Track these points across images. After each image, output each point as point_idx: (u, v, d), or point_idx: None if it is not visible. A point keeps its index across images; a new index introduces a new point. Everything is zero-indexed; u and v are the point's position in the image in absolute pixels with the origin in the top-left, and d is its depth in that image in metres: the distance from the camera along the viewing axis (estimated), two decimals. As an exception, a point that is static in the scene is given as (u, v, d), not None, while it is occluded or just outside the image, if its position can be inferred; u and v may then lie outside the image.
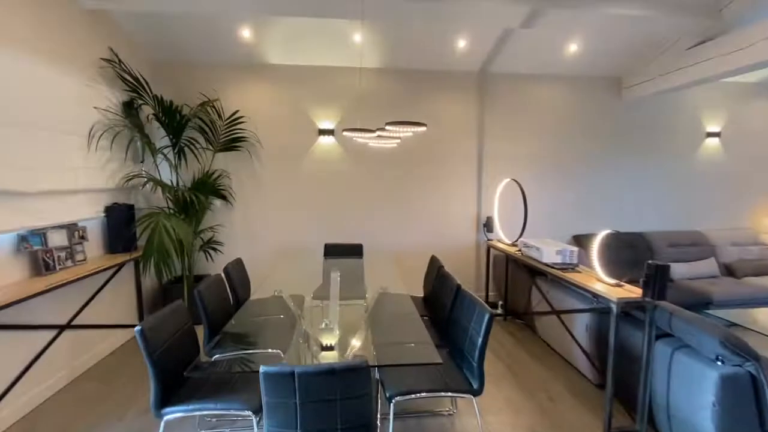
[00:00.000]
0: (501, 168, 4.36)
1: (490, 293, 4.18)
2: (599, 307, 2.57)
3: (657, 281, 1.92)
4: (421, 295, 3.37)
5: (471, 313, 2.10)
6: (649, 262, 1.96)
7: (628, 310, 2.31)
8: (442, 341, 2.39)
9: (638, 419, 2.09)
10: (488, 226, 4.29)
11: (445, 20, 3.18)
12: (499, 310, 4.09)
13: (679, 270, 4.19)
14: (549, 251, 2.79)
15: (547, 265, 2.77)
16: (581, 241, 4.45)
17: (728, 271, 4.38)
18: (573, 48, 3.83)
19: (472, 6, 2.99)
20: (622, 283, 2.28)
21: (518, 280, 3.75)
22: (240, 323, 2.26)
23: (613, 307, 2.08)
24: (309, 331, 2.18)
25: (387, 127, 2.07)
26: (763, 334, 2.85)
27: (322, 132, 4.07)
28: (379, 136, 2.47)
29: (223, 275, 2.73)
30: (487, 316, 1.91)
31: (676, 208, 4.73)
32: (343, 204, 4.19)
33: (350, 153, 4.13)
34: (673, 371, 1.98)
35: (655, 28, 3.34)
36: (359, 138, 2.75)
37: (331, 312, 2.27)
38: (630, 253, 4.26)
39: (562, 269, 2.65)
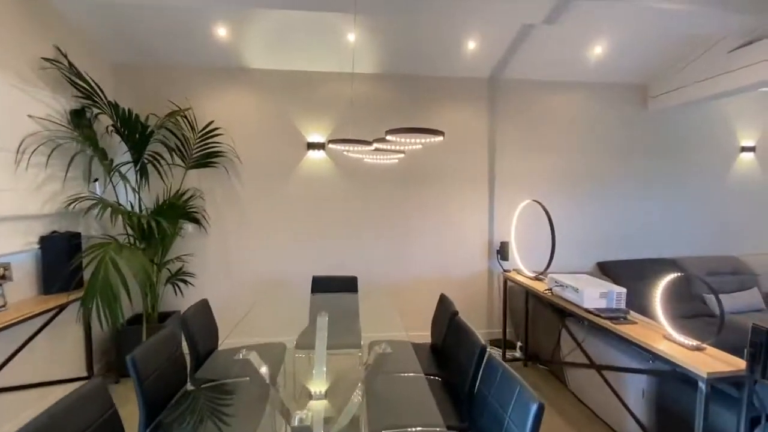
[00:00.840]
0: (514, 187, 3.84)
1: (507, 330, 3.60)
2: (661, 369, 2.00)
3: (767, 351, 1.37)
4: (427, 339, 2.80)
5: (508, 395, 1.52)
6: (756, 325, 1.41)
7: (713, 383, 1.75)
8: (462, 421, 1.81)
9: None
10: (503, 253, 3.74)
11: (456, 16, 2.69)
12: (518, 353, 3.51)
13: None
14: (591, 293, 2.24)
15: (589, 311, 2.21)
16: (608, 269, 3.91)
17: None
18: (596, 51, 3.37)
19: (488, -3, 2.51)
20: (704, 346, 1.72)
21: (542, 320, 3.18)
22: (193, 399, 1.67)
23: (702, 386, 1.51)
24: (287, 403, 1.61)
25: (388, 137, 1.53)
26: None
27: (312, 146, 3.54)
28: (377, 150, 1.94)
29: (180, 326, 2.16)
30: (534, 409, 1.33)
31: (709, 230, 4.22)
32: (336, 229, 3.63)
33: (343, 170, 3.60)
34: (794, 479, 1.41)
35: (693, 27, 2.88)
36: (351, 152, 2.22)
37: (315, 378, 1.72)
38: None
39: (611, 319, 2.09)
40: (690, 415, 1.83)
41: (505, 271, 3.46)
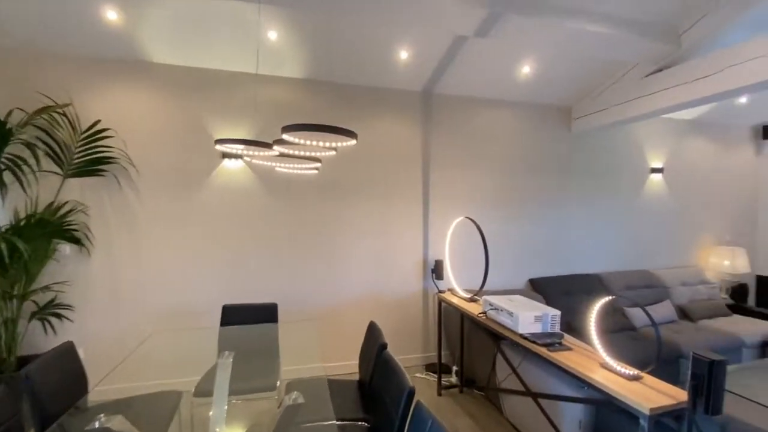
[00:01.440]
0: (449, 203, 3.72)
1: (443, 353, 3.39)
2: (597, 398, 1.89)
3: (710, 385, 1.26)
4: (356, 372, 2.48)
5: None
6: (696, 355, 1.31)
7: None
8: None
9: None
10: (437, 271, 3.57)
11: (381, 17, 2.50)
12: (454, 378, 3.32)
13: (639, 315, 3.79)
14: (526, 318, 2.09)
15: (524, 337, 2.06)
16: (539, 286, 3.92)
17: (683, 314, 4.11)
18: (524, 71, 3.40)
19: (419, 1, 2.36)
20: (642, 375, 1.61)
21: (478, 342, 3.03)
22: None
23: (644, 423, 1.38)
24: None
25: (285, 136, 1.23)
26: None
27: (228, 155, 3.11)
28: (284, 156, 1.62)
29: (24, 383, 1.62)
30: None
31: (626, 245, 4.46)
32: (253, 250, 3.20)
33: (265, 183, 3.21)
34: None
35: (612, 52, 2.99)
36: (254, 157, 1.87)
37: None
38: (589, 300, 3.78)
39: (547, 345, 1.95)
40: (628, 448, 1.71)
41: (439, 291, 3.28)
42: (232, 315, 2.69)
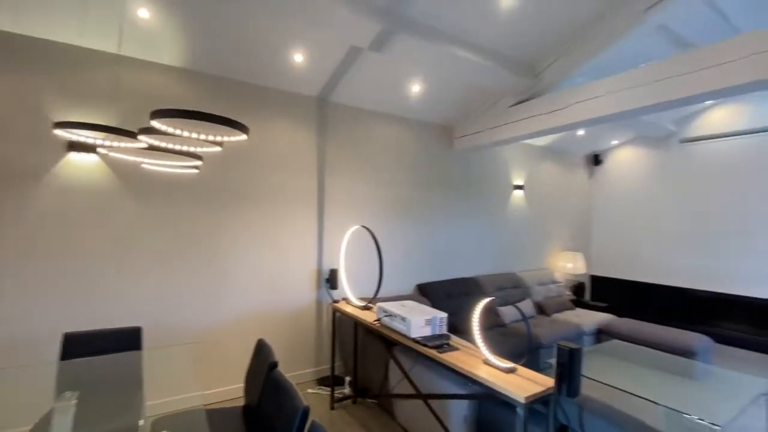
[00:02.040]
0: (344, 211, 3.70)
1: (336, 365, 3.30)
2: (479, 393, 2.04)
3: (571, 371, 1.46)
4: (241, 397, 2.23)
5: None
6: (560, 344, 1.50)
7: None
8: None
9: None
10: (332, 281, 3.50)
11: (271, 13, 2.38)
12: (347, 389, 3.26)
13: (509, 313, 4.32)
14: (417, 322, 2.16)
15: (416, 341, 2.12)
16: (425, 291, 4.15)
17: (540, 309, 4.82)
18: (415, 89, 3.62)
19: (319, 8, 2.30)
20: (517, 367, 1.79)
21: (372, 350, 3.03)
22: None
23: (521, 411, 1.52)
24: None
25: (154, 123, 1.02)
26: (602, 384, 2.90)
27: (76, 146, 2.54)
28: (151, 149, 1.36)
29: None
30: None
31: (497, 252, 5.06)
32: (110, 265, 2.66)
33: (128, 183, 2.71)
34: (589, 486, 1.52)
35: (486, 80, 3.40)
36: (112, 150, 1.55)
37: None
38: (468, 301, 4.16)
39: (436, 347, 2.03)
40: (505, 435, 1.87)
41: (333, 301, 3.21)
42: (78, 345, 2.16)
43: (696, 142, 5.06)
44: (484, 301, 1.92)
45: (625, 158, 5.86)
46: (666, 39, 3.33)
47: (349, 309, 2.97)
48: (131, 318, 2.67)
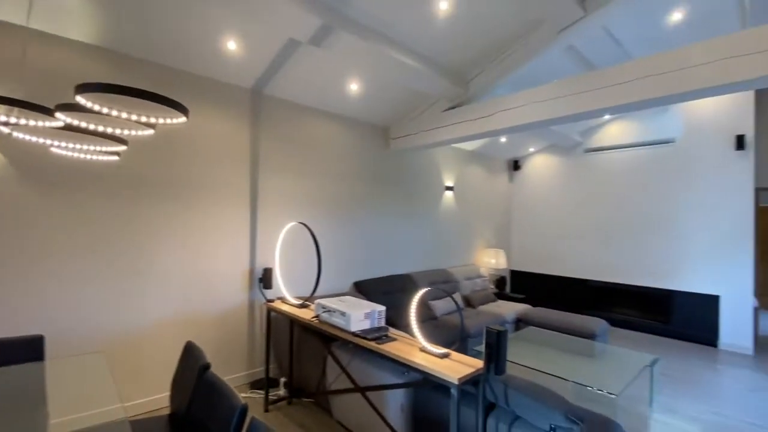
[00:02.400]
0: (279, 209, 3.61)
1: (270, 366, 3.20)
2: (416, 381, 2.13)
3: (498, 351, 1.61)
4: (166, 407, 2.07)
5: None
6: (489, 328, 1.64)
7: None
8: None
9: None
10: (265, 281, 3.39)
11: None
12: (282, 391, 3.18)
13: (440, 306, 4.55)
14: (357, 316, 2.20)
15: (356, 335, 2.16)
16: (362, 288, 4.20)
17: (467, 302, 5.15)
18: (353, 87, 3.66)
19: (253, -9, 2.23)
20: (450, 352, 1.91)
21: (308, 349, 2.99)
22: None
23: (454, 392, 1.63)
24: None
25: (79, 99, 0.91)
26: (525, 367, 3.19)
27: (-44, 128, 2.14)
28: (69, 128, 1.20)
29: None
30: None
31: (430, 249, 5.30)
32: (10, 262, 2.30)
33: (29, 169, 2.36)
34: (512, 454, 1.68)
35: (421, 85, 3.55)
36: (17, 128, 1.35)
37: None
38: (403, 297, 4.31)
39: (375, 339, 2.09)
40: (439, 416, 1.99)
41: (268, 301, 3.11)
42: (-43, 361, 1.83)
43: (597, 152, 5.80)
44: (422, 291, 2.02)
45: (540, 164, 6.51)
46: (575, 59, 3.78)
47: (285, 307, 2.90)
48: (32, 325, 2.33)
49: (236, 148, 3.31)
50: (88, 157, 1.61)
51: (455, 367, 1.74)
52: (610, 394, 2.56)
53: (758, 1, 3.03)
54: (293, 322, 3.03)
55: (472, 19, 2.97)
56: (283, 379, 3.22)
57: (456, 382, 1.62)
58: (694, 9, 3.25)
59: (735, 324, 4.56)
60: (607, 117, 5.55)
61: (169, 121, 1.08)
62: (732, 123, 4.60)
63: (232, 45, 2.83)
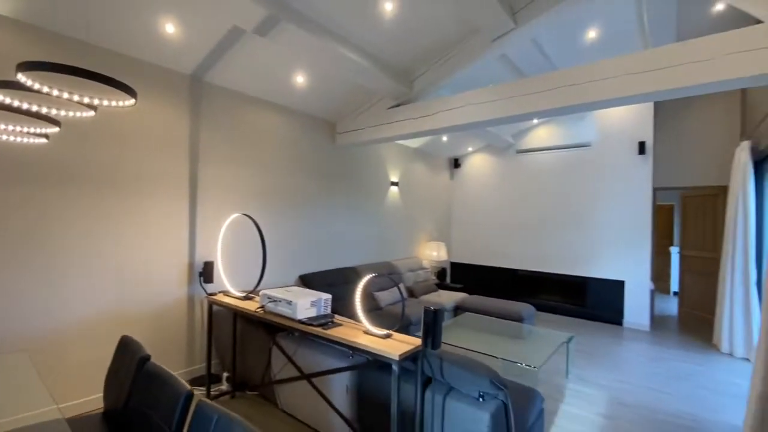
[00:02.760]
0: (222, 201, 3.51)
1: (212, 362, 3.13)
2: (360, 363, 2.25)
3: (434, 328, 1.77)
4: (98, 408, 1.97)
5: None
6: (427, 307, 1.80)
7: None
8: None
9: (419, 489, 1.84)
10: (206, 274, 3.29)
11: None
12: (225, 385, 3.13)
13: (384, 298, 4.71)
14: (303, 304, 2.25)
15: (302, 322, 2.21)
16: (308, 281, 4.23)
17: (410, 292, 5.38)
18: (299, 80, 3.66)
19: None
20: (392, 333, 2.04)
21: (252, 341, 2.97)
22: None
23: (395, 367, 1.77)
24: None
25: (21, 77, 0.87)
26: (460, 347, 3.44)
27: None
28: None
29: None
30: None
31: (375, 243, 5.45)
32: None
33: None
34: (447, 419, 1.86)
35: (366, 81, 3.65)
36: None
37: None
38: (351, 288, 4.41)
39: (321, 325, 2.17)
40: (381, 394, 2.12)
41: (209, 294, 3.03)
42: None
43: (527, 153, 6.33)
44: (368, 277, 2.13)
45: (478, 163, 6.94)
46: (508, 67, 4.12)
47: (228, 300, 2.86)
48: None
49: (174, 136, 3.17)
50: (13, 138, 1.48)
51: (396, 345, 1.88)
52: (532, 367, 2.88)
53: (655, 26, 3.55)
54: (236, 314, 3.00)
55: (416, 22, 3.13)
56: (225, 374, 3.16)
57: (397, 358, 1.75)
58: (606, 29, 3.71)
59: (636, 305, 5.27)
60: (535, 121, 6.08)
61: (114, 103, 1.07)
62: (635, 130, 5.29)
63: (170, 28, 2.72)
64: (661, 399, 3.16)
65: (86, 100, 0.99)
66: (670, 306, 6.62)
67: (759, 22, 2.29)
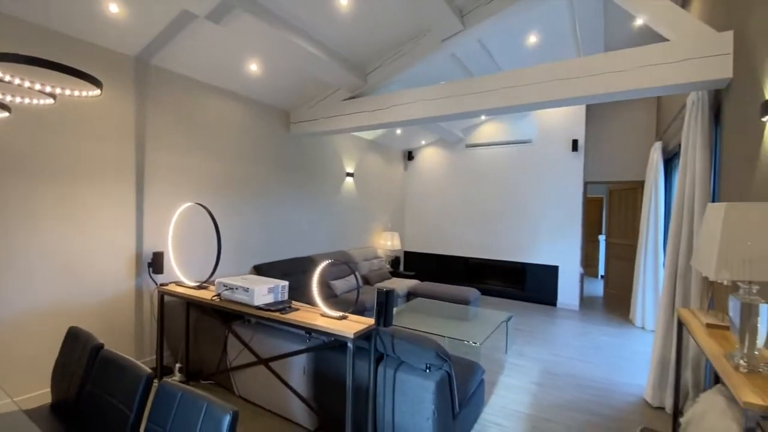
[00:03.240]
0: (172, 190, 3.42)
1: (164, 354, 3.08)
2: (318, 345, 2.36)
3: (386, 308, 1.93)
4: (47, 401, 1.93)
5: (193, 420, 1.27)
6: (379, 288, 1.95)
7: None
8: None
9: (372, 455, 2.01)
10: (156, 265, 3.21)
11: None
12: (178, 376, 3.10)
13: (340, 286, 4.84)
14: (261, 291, 2.32)
15: (260, 308, 2.28)
16: (262, 271, 4.23)
17: (366, 280, 5.55)
18: (252, 68, 3.62)
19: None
20: (347, 315, 2.18)
21: (207, 330, 2.97)
22: None
23: (350, 344, 1.91)
24: None
25: None
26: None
27: None
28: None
29: None
30: (228, 419, 1.19)
31: (331, 232, 5.53)
32: None
33: None
34: (398, 391, 2.05)
35: (322, 74, 3.70)
36: None
37: None
38: (306, 277, 4.48)
39: (279, 310, 2.25)
40: (337, 372, 2.26)
41: (160, 284, 2.98)
42: None
43: (476, 148, 6.70)
44: (325, 263, 2.24)
45: (430, 156, 7.22)
46: (457, 66, 4.35)
47: (180, 290, 2.83)
48: None
49: (119, 121, 3.03)
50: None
51: (351, 325, 2.02)
52: (475, 343, 3.16)
53: (585, 37, 3.93)
54: (190, 304, 2.97)
55: (371, 17, 3.22)
56: (178, 365, 3.13)
57: (352, 336, 1.90)
58: (544, 35, 4.05)
59: (568, 288, 5.85)
60: (483, 117, 6.43)
61: (77, 93, 1.07)
62: (569, 129, 5.81)
63: (113, 8, 2.59)
64: (584, 367, 3.60)
65: (48, 89, 0.99)
66: (597, 288, 7.38)
67: (666, 40, 2.67)
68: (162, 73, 3.31)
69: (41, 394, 2.58)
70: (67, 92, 1.02)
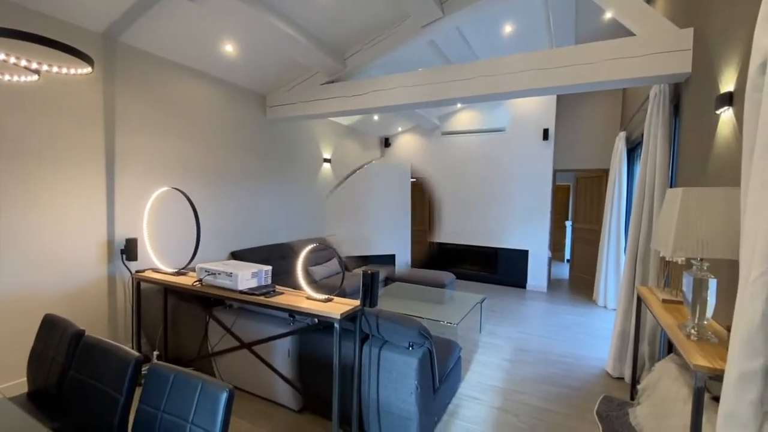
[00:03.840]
0: (145, 174, 3.30)
1: (141, 342, 3.03)
2: (301, 327, 2.41)
3: (371, 289, 1.99)
4: (23, 391, 1.88)
5: (188, 399, 1.29)
6: (365, 270, 2.01)
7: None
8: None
9: (354, 427, 2.10)
10: (129, 252, 3.12)
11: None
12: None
13: (319, 272, 4.86)
14: (244, 276, 2.32)
15: (244, 293, 2.29)
16: (240, 257, 4.19)
17: (345, 267, 5.58)
18: (228, 49, 3.52)
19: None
20: (332, 297, 2.23)
21: (186, 317, 2.94)
22: None
23: (337, 325, 1.96)
24: None
25: None
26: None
27: None
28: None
29: None
30: (224, 397, 1.22)
31: (309, 219, 5.51)
32: None
33: None
34: (382, 368, 2.13)
35: (300, 56, 3.64)
36: None
37: None
38: (285, 263, 4.48)
39: (263, 294, 2.27)
40: (322, 354, 2.32)
41: (136, 272, 2.91)
42: None
43: (452, 135, 6.80)
44: (310, 246, 2.27)
45: (407, 143, 7.27)
46: (436, 53, 4.38)
47: (158, 276, 2.78)
48: None
49: (85, 101, 2.88)
50: None
51: (337, 307, 2.08)
52: (451, 323, 3.30)
53: (558, 29, 4.06)
54: (167, 291, 2.93)
55: (351, 1, 3.19)
56: (156, 353, 3.09)
57: (338, 317, 1.95)
58: (519, 25, 4.14)
59: (537, 271, 6.13)
60: (459, 105, 6.53)
61: (64, 71, 1.03)
62: (541, 119, 6.00)
63: (79, -20, 2.45)
64: (552, 344, 3.83)
65: (34, 65, 0.95)
66: (564, 271, 7.77)
67: (633, 34, 2.81)
68: (132, 52, 3.16)
69: (17, 384, 2.50)
70: (54, 69, 0.98)
